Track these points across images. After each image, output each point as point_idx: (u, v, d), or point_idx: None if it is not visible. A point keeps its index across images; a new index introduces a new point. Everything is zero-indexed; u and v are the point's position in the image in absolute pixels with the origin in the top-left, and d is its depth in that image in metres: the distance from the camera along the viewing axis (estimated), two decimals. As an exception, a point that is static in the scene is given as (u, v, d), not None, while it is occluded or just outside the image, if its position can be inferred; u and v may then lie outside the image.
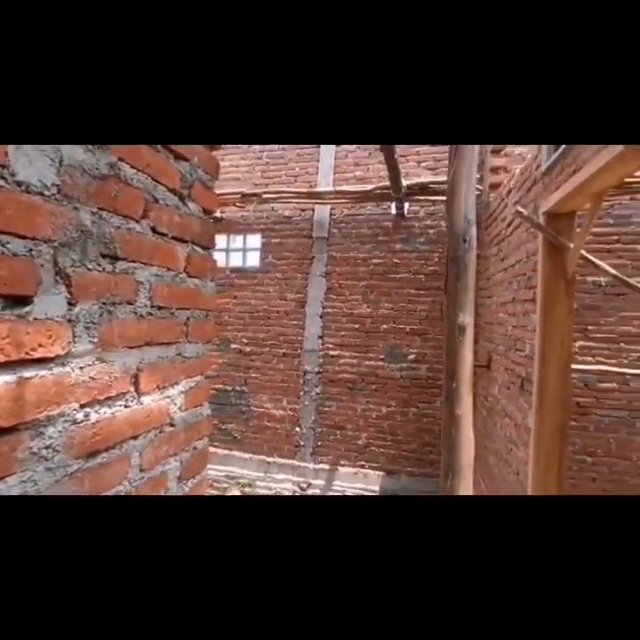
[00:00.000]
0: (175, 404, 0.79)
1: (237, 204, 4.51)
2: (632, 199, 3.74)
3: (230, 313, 4.75)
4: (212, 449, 4.82)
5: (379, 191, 3.89)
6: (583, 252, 1.89)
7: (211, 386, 0.92)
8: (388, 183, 3.55)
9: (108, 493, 0.62)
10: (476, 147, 0.54)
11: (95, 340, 0.58)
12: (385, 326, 4.24)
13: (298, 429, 4.48)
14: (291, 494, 4.35)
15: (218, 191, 3.85)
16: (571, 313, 1.94)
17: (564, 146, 1.80)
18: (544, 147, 2.06)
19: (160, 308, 0.72)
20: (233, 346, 4.71)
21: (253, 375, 4.64)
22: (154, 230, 0.70)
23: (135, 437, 0.67)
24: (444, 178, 4.05)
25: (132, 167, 0.64)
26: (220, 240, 4.84)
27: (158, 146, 0.70)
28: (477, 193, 3.95)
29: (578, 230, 1.92)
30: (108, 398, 0.61)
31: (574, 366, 3.55)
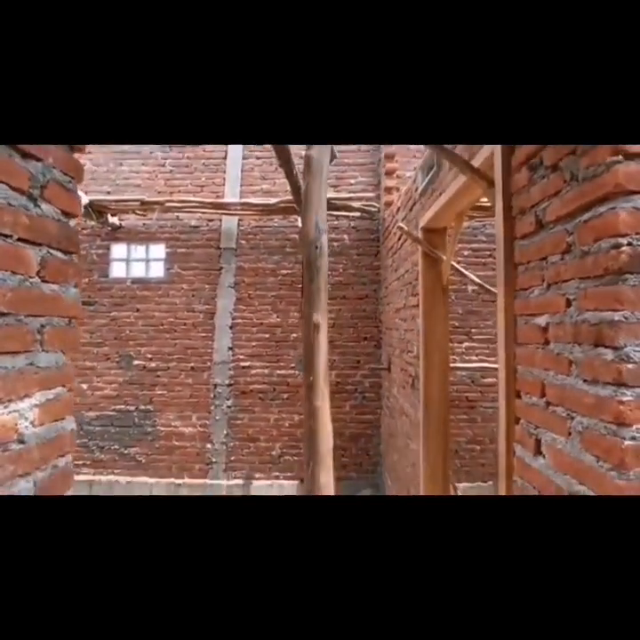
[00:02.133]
0: (26, 419, 0.72)
1: (138, 211, 4.25)
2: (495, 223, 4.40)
3: (132, 327, 4.42)
4: (113, 477, 4.39)
5: (283, 205, 4.00)
6: (453, 263, 2.18)
7: (73, 399, 0.86)
8: (292, 197, 3.67)
9: None
10: (326, 163, 0.60)
11: None
12: (294, 335, 4.33)
13: (209, 446, 4.31)
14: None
15: (115, 198, 3.66)
16: (446, 317, 2.21)
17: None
18: (419, 171, 2.35)
19: (2, 314, 0.67)
20: (136, 362, 4.38)
21: (159, 392, 4.36)
22: (-9, 231, 0.65)
23: (-33, 458, 0.61)
24: (345, 194, 4.32)
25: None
26: (120, 249, 4.51)
27: (-2, 142, 0.66)
28: (375, 209, 4.30)
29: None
30: None
31: (461, 365, 4.00)
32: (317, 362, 0.62)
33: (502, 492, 1.23)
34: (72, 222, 0.86)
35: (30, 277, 0.73)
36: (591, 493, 0.81)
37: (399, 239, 3.10)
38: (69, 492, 0.85)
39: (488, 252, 4.34)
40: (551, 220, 0.98)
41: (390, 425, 3.71)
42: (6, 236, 0.68)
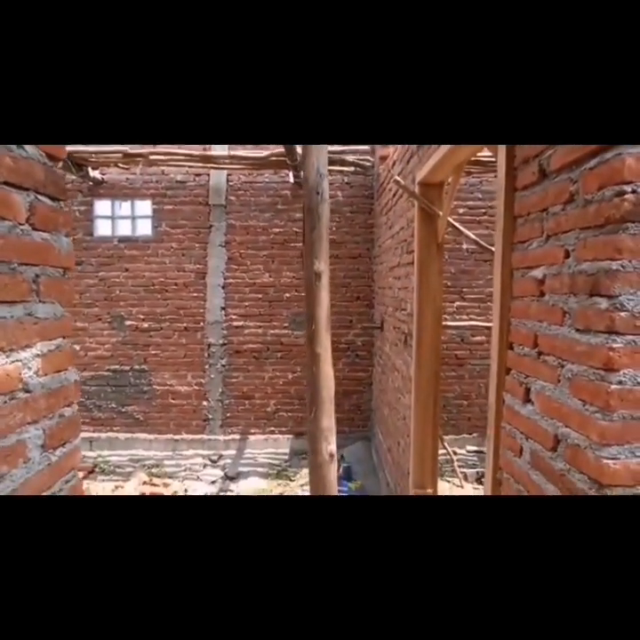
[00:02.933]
0: (29, 368, 0.73)
1: (120, 164, 4.04)
2: (496, 176, 4.29)
3: (122, 287, 4.36)
4: (112, 434, 4.50)
5: (274, 158, 3.83)
6: (450, 219, 2.15)
7: (74, 350, 0.86)
8: (283, 150, 3.52)
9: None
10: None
11: None
12: (288, 295, 4.32)
13: (205, 403, 4.41)
14: (203, 467, 4.32)
15: (95, 149, 3.45)
16: (441, 273, 2.21)
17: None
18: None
19: (-6, 262, 0.65)
20: (128, 323, 4.36)
21: (153, 352, 4.38)
22: (-25, 172, 0.61)
23: (-26, 404, 0.61)
24: (339, 148, 4.14)
25: None
26: (104, 206, 4.33)
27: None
28: (369, 164, 4.15)
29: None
30: None
31: (452, 323, 4.06)
32: (319, 310, 0.63)
33: (491, 438, 1.30)
34: (57, 167, 0.82)
35: (20, 224, 0.71)
36: (574, 434, 0.86)
37: (394, 195, 3.03)
38: (76, 442, 0.88)
39: (483, 210, 4.28)
40: (555, 169, 0.96)
41: (382, 381, 3.82)
42: (-9, 178, 0.65)
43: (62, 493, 0.82)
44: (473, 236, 2.16)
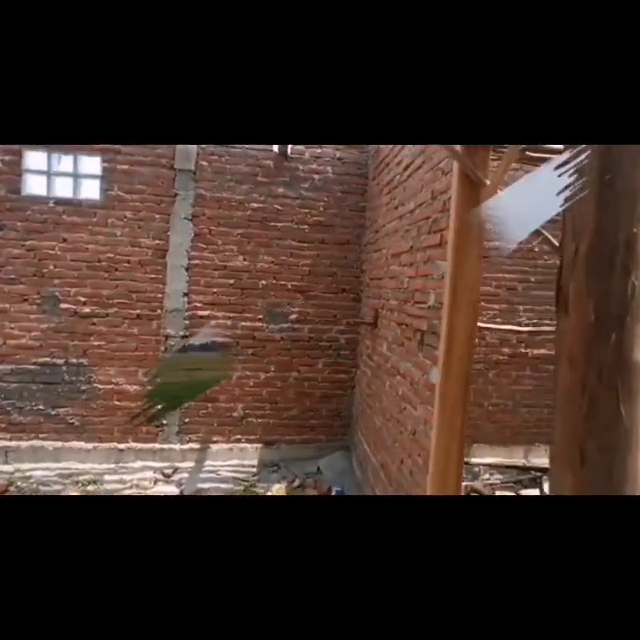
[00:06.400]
0: None
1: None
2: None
3: (57, 262, 3.55)
4: (37, 442, 3.66)
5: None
6: (500, 191, 1.73)
7: None
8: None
9: None
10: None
11: None
12: (264, 282, 3.75)
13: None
14: (153, 483, 3.62)
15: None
16: (481, 257, 1.80)
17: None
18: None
19: None
20: (63, 306, 3.56)
21: (96, 343, 3.61)
22: None
23: None
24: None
25: None
26: (37, 159, 3.49)
27: None
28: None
29: (495, 166, 1.75)
30: None
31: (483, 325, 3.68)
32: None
33: None
34: None
35: None
36: None
37: (406, 168, 2.58)
38: None
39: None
40: None
41: (371, 385, 3.37)
42: None
43: None
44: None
